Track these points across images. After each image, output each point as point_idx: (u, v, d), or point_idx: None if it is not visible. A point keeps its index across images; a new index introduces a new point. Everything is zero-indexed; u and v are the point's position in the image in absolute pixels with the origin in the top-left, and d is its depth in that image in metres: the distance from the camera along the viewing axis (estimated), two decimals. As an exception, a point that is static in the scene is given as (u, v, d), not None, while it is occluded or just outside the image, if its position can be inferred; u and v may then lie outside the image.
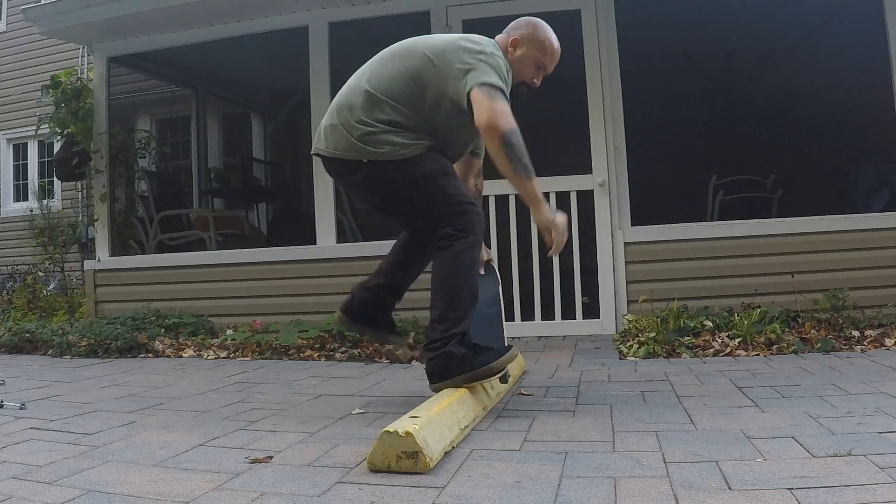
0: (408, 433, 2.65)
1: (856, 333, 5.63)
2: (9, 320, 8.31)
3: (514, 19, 7.03)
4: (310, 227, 7.49)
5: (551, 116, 7.45)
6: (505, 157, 3.54)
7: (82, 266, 8.76)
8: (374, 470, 2.66)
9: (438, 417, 2.97)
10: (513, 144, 3.52)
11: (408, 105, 3.64)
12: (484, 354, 3.64)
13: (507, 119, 3.52)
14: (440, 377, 3.60)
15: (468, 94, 3.54)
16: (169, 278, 7.81)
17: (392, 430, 2.67)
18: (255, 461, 2.85)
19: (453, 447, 2.95)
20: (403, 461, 2.63)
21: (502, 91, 3.60)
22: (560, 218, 3.76)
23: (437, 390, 3.58)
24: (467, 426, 3.24)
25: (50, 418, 3.78)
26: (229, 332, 6.87)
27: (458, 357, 3.58)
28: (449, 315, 3.68)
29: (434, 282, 3.80)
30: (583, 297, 6.86)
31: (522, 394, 4.22)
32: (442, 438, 2.87)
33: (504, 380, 3.93)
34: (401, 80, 3.66)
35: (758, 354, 5.32)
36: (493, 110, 3.49)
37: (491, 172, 7.03)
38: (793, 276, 6.34)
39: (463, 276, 3.71)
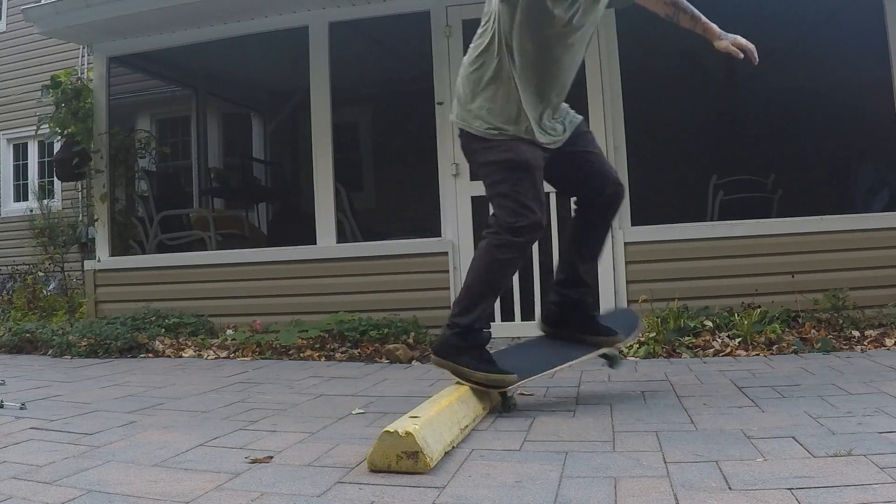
0: (408, 433, 2.65)
1: (856, 333, 5.63)
2: (9, 320, 8.32)
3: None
4: (310, 227, 7.49)
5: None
6: None
7: (82, 266, 8.76)
8: (375, 470, 2.66)
9: (438, 417, 2.97)
10: None
11: None
12: (480, 360, 3.62)
13: None
14: (436, 352, 3.70)
15: None
16: (169, 278, 7.81)
17: (392, 431, 2.67)
18: (255, 461, 2.85)
19: (453, 447, 2.95)
20: (404, 461, 2.64)
21: None
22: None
23: (434, 364, 3.70)
24: (467, 426, 3.24)
25: (50, 418, 3.78)
26: (229, 332, 6.87)
27: (452, 345, 3.62)
28: (460, 301, 3.70)
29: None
30: (583, 297, 6.85)
31: (522, 394, 4.22)
32: (442, 438, 2.87)
33: (507, 405, 3.73)
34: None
35: (758, 354, 5.33)
36: None
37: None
38: (793, 276, 6.33)
39: (484, 270, 3.68)
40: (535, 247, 6.87)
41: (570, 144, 3.83)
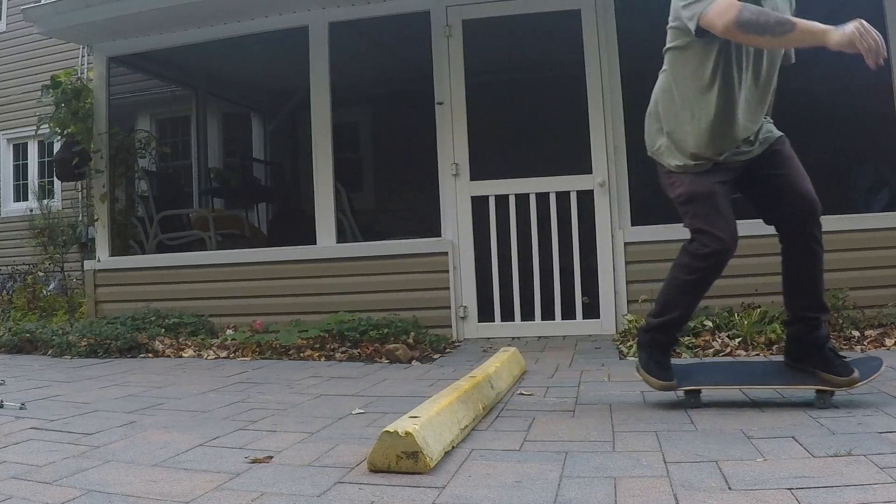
0: (408, 433, 2.65)
1: (856, 333, 5.63)
2: (9, 320, 8.32)
3: (514, 19, 7.04)
4: (310, 227, 7.49)
5: (551, 116, 7.45)
6: (754, 35, 3.36)
7: (82, 266, 8.76)
8: (374, 470, 2.67)
9: (438, 417, 2.97)
10: (747, 22, 3.30)
11: None
12: (661, 368, 3.72)
13: (723, 12, 3.32)
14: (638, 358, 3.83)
15: (695, 30, 3.48)
16: (169, 278, 7.81)
17: (392, 431, 2.67)
18: (255, 461, 2.85)
19: (453, 447, 2.95)
20: (403, 461, 2.64)
21: None
22: (850, 27, 3.37)
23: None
24: (467, 426, 3.25)
25: (50, 418, 3.78)
26: (229, 332, 6.87)
27: (641, 345, 3.81)
28: (655, 304, 3.81)
29: None
30: (583, 297, 6.86)
31: (522, 394, 4.22)
32: (442, 438, 2.88)
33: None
34: None
35: (758, 354, 5.33)
36: (708, 17, 3.38)
37: (491, 173, 7.06)
38: (793, 276, 6.33)
39: (670, 285, 3.76)
40: (535, 247, 6.89)
41: (761, 166, 3.79)
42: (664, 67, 3.79)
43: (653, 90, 3.89)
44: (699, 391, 3.71)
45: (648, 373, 3.70)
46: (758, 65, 3.64)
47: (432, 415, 2.94)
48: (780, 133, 3.82)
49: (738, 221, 6.57)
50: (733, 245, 3.70)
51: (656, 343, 3.74)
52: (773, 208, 3.85)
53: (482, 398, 3.70)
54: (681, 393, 3.71)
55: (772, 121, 3.94)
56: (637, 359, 3.81)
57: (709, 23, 3.37)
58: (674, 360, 3.87)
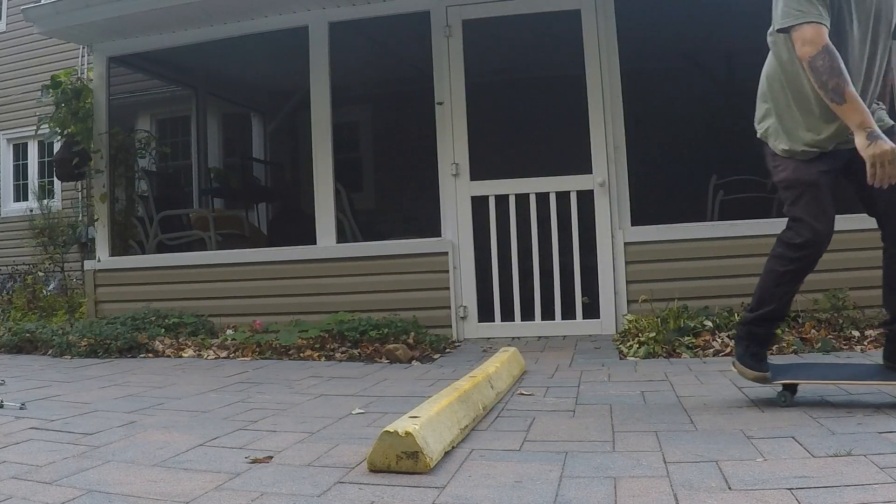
0: (408, 433, 2.66)
1: (856, 333, 5.63)
2: (9, 320, 8.32)
3: (514, 19, 7.04)
4: (310, 227, 7.49)
5: (551, 116, 7.45)
6: (814, 81, 3.38)
7: (82, 266, 8.75)
8: (375, 470, 2.67)
9: (438, 417, 2.97)
10: (816, 69, 3.32)
11: None
12: (756, 359, 3.71)
13: (806, 41, 3.35)
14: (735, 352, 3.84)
15: (778, 31, 3.54)
16: (169, 278, 7.81)
17: (392, 431, 2.67)
18: (255, 461, 2.85)
19: (453, 447, 2.95)
20: (403, 461, 2.64)
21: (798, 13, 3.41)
22: (886, 146, 3.24)
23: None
24: (467, 426, 3.25)
25: (50, 418, 3.78)
26: (229, 332, 6.87)
27: (737, 338, 3.83)
28: (750, 303, 3.82)
29: None
30: (583, 297, 6.86)
31: (523, 394, 4.22)
32: (442, 438, 2.88)
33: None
34: None
35: (758, 354, 5.31)
36: (794, 36, 3.42)
37: (491, 173, 7.07)
38: (793, 276, 6.33)
39: (766, 277, 3.76)
40: (535, 247, 6.89)
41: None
42: (771, 49, 3.71)
43: (761, 71, 3.81)
44: (795, 386, 3.68)
45: (744, 364, 3.68)
46: (870, 49, 3.57)
47: (432, 415, 2.94)
48: (893, 122, 3.66)
49: (737, 221, 6.61)
50: (827, 238, 3.66)
51: (752, 336, 3.72)
52: (875, 201, 3.71)
53: (482, 398, 3.70)
54: (778, 387, 3.67)
55: (885, 107, 3.78)
56: (734, 354, 3.79)
57: (794, 40, 3.40)
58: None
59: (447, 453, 2.86)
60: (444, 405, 3.15)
